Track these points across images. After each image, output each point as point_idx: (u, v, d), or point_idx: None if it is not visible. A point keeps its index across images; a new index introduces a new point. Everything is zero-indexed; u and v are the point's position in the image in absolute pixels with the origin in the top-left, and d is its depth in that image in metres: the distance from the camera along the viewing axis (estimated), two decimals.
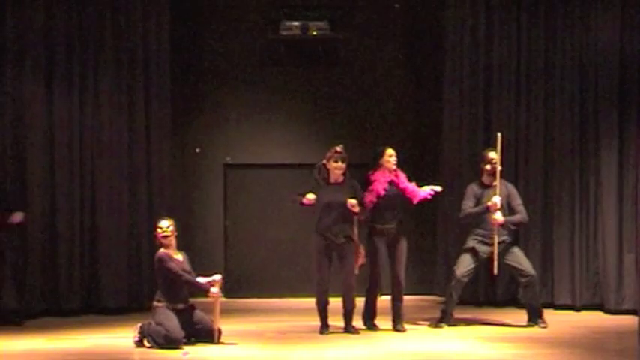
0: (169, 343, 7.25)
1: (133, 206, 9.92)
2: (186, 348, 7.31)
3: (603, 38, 9.90)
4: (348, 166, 8.12)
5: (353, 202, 7.93)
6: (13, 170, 9.38)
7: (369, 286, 8.28)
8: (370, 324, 8.31)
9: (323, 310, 8.11)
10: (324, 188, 8.06)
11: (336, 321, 8.17)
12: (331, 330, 8.13)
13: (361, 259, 8.14)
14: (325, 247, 7.99)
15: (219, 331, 7.56)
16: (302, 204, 7.96)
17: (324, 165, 8.16)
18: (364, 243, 8.23)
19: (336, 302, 8.14)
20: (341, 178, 8.12)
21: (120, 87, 9.97)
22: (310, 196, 7.91)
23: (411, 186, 8.26)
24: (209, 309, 7.76)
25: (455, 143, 10.23)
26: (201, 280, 7.69)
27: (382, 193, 8.15)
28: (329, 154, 8.14)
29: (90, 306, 9.68)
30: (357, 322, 8.23)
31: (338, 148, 8.11)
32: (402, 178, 8.29)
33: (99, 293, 9.71)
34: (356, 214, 8.01)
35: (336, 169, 8.08)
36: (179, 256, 7.61)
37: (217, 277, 7.69)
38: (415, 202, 8.28)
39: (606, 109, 9.86)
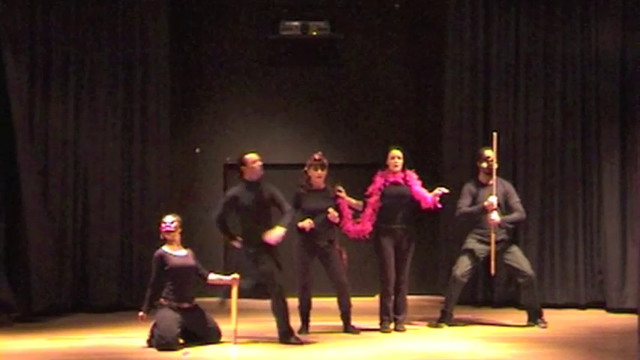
0: (161, 345, 7.24)
1: (126, 206, 9.95)
2: (187, 348, 7.31)
3: (604, 41, 9.92)
4: (352, 166, 8.11)
5: (335, 213, 7.96)
6: (7, 171, 9.33)
7: (381, 288, 8.24)
8: (385, 325, 8.22)
9: (304, 312, 8.12)
10: (307, 195, 8.08)
11: (336, 321, 8.17)
12: (331, 330, 8.13)
13: (344, 264, 8.14)
14: (309, 250, 8.01)
15: (235, 332, 7.56)
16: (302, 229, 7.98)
17: (305, 172, 8.15)
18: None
19: (333, 303, 8.17)
20: (322, 185, 8.13)
21: (118, 86, 9.99)
22: (306, 224, 7.93)
23: (421, 190, 8.23)
24: (212, 309, 7.80)
25: (455, 143, 10.23)
26: (213, 277, 7.71)
27: (376, 197, 8.14)
28: (308, 162, 8.14)
29: (81, 305, 9.72)
30: (362, 322, 8.23)
31: (316, 156, 8.11)
32: (412, 181, 8.26)
33: (89, 292, 9.76)
34: (336, 224, 8.04)
35: (317, 177, 8.09)
36: (183, 253, 7.60)
37: (234, 276, 7.72)
38: (424, 206, 8.25)
39: (608, 107, 9.89)
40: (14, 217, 9.18)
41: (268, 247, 7.53)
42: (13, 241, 9.20)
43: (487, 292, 10.08)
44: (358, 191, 8.37)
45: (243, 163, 7.75)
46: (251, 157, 7.75)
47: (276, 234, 7.46)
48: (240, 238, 7.70)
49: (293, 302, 8.32)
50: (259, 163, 7.73)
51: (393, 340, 7.84)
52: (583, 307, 9.83)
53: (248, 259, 7.63)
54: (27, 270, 9.20)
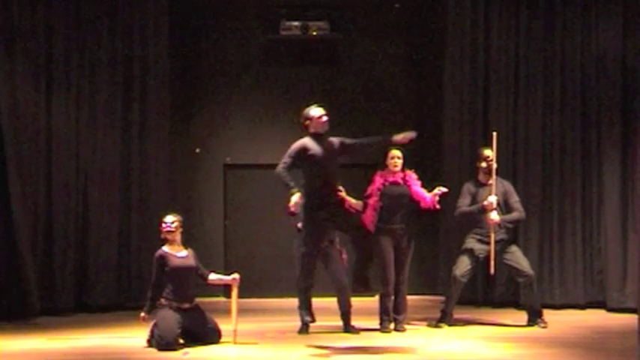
0: (161, 345, 7.24)
1: (126, 206, 9.97)
2: (187, 348, 7.31)
3: (604, 40, 9.94)
4: (352, 166, 8.07)
5: None
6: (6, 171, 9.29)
7: (381, 287, 8.23)
8: (385, 325, 8.21)
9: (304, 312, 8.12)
10: None
11: (336, 321, 8.17)
12: (331, 330, 8.13)
13: (344, 264, 8.14)
14: None
15: (235, 332, 7.56)
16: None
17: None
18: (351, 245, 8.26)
19: (333, 303, 8.16)
20: None
21: (118, 86, 10.00)
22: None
23: (420, 190, 8.22)
24: (213, 309, 7.83)
25: (455, 143, 10.25)
26: (214, 277, 7.71)
27: (375, 198, 8.14)
28: None
29: (80, 304, 9.72)
30: (362, 322, 8.24)
31: None
32: (412, 180, 8.25)
33: (89, 292, 9.79)
34: None
35: None
36: (183, 253, 7.60)
37: (234, 276, 7.71)
38: (423, 206, 8.23)
39: (608, 107, 9.92)
40: (6, 217, 9.16)
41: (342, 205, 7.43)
42: (6, 242, 9.19)
43: (487, 292, 10.08)
44: (358, 191, 8.36)
45: (308, 118, 7.46)
46: (317, 111, 7.49)
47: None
48: (297, 197, 7.10)
49: (293, 302, 8.35)
50: (325, 118, 7.49)
51: (393, 340, 7.83)
52: (583, 307, 9.83)
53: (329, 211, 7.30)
54: (23, 271, 9.18)
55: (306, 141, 7.37)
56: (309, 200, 7.26)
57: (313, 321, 8.06)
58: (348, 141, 7.48)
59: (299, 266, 8.05)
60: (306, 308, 8.01)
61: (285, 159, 7.32)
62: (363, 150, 7.72)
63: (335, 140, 7.45)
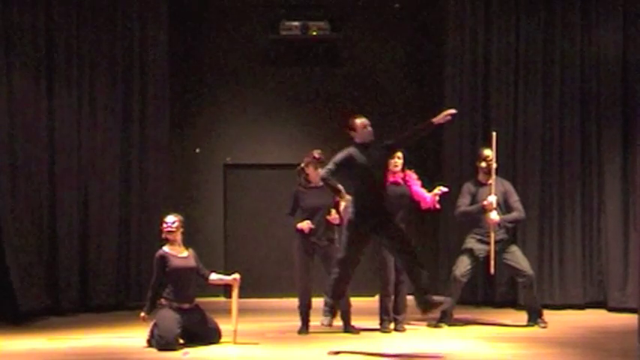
0: (161, 345, 7.24)
1: (125, 205, 9.99)
2: (187, 348, 7.31)
3: (604, 40, 9.93)
4: None
5: (335, 215, 7.94)
6: (9, 171, 9.29)
7: (381, 288, 8.22)
8: (385, 325, 8.22)
9: (304, 312, 8.12)
10: (306, 192, 8.08)
11: (336, 321, 8.15)
12: (331, 330, 8.12)
13: None
14: (308, 249, 8.03)
15: (235, 332, 7.57)
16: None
17: (303, 169, 8.14)
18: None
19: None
20: (320, 182, 8.08)
21: (117, 87, 10.00)
22: (304, 225, 7.96)
23: (420, 190, 8.21)
24: (213, 309, 7.83)
25: (456, 143, 10.25)
26: (215, 276, 7.71)
27: None
28: (307, 159, 8.11)
29: (81, 304, 9.72)
30: (362, 322, 8.23)
31: (316, 154, 8.07)
32: (412, 181, 8.25)
33: (89, 292, 9.79)
34: (337, 225, 8.00)
35: (316, 175, 8.01)
36: (184, 254, 7.59)
37: (235, 276, 7.70)
38: (423, 206, 8.23)
39: (609, 106, 9.92)
40: None
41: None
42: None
43: (487, 292, 10.08)
44: None
45: (353, 128, 7.43)
46: (361, 121, 7.45)
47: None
48: (347, 198, 7.22)
49: (293, 302, 8.35)
50: (370, 128, 7.43)
51: (393, 340, 7.84)
52: (582, 307, 9.84)
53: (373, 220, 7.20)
54: (9, 270, 9.12)
55: (352, 150, 7.31)
56: (357, 208, 7.20)
57: (330, 325, 7.96)
58: (391, 142, 7.45)
59: (299, 266, 8.04)
60: (332, 313, 7.74)
61: (330, 165, 7.25)
62: (409, 143, 7.66)
63: (379, 146, 7.40)
